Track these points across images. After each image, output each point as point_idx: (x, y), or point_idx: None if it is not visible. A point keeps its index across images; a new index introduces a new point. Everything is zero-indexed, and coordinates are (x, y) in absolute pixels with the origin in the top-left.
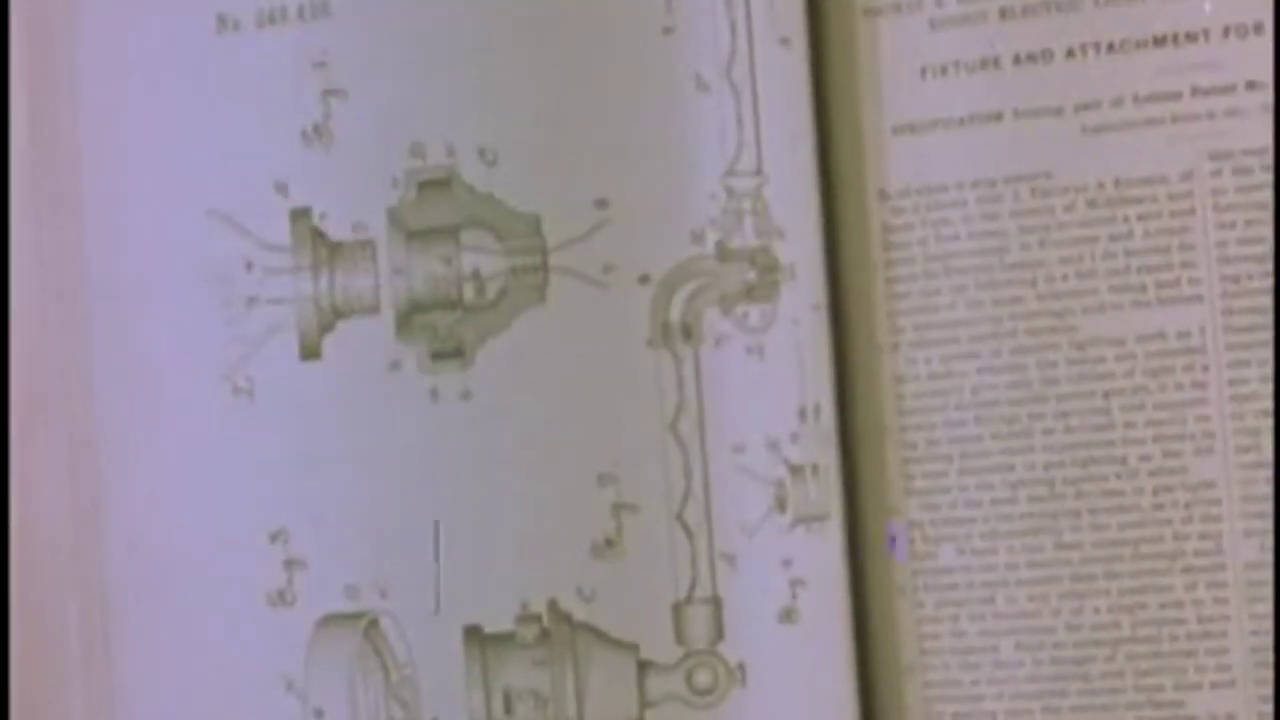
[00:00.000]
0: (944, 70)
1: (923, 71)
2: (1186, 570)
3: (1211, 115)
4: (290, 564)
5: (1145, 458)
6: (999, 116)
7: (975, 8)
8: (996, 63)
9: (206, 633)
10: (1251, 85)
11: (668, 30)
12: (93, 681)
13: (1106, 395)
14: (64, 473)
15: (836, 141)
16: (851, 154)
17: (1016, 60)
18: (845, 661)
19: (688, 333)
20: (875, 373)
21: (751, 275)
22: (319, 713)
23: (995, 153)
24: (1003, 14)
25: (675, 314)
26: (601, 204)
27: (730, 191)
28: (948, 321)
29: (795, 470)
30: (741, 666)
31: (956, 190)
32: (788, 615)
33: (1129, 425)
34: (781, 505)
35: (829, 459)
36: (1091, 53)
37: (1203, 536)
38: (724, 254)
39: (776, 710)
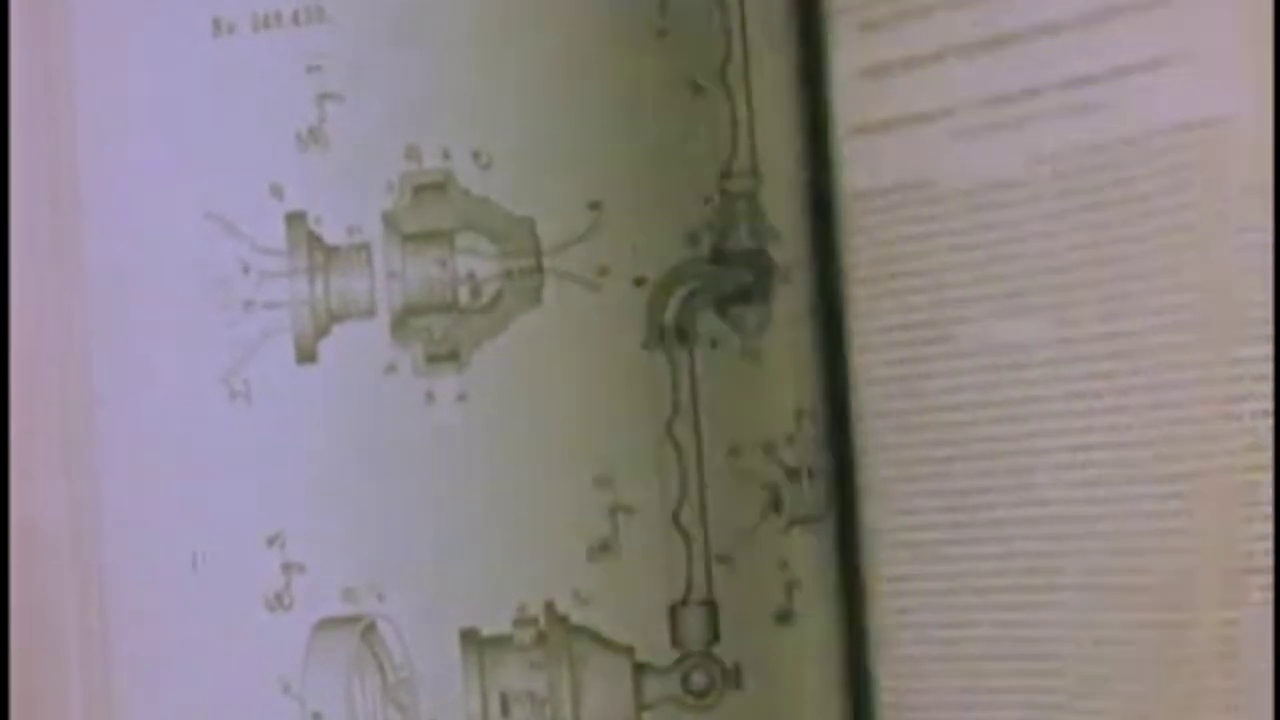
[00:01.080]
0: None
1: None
2: None
3: None
4: (288, 567)
5: None
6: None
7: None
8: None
9: (204, 636)
10: None
11: (661, 33)
12: (91, 683)
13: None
14: (64, 473)
15: (832, 143)
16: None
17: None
18: (842, 663)
19: (683, 335)
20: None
21: (747, 278)
22: (316, 716)
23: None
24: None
25: (670, 316)
26: (596, 207)
27: (725, 194)
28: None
29: (791, 472)
30: (738, 668)
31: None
32: (784, 617)
33: None
34: (777, 507)
35: (825, 461)
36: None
37: None
38: (719, 256)
39: (773, 712)
